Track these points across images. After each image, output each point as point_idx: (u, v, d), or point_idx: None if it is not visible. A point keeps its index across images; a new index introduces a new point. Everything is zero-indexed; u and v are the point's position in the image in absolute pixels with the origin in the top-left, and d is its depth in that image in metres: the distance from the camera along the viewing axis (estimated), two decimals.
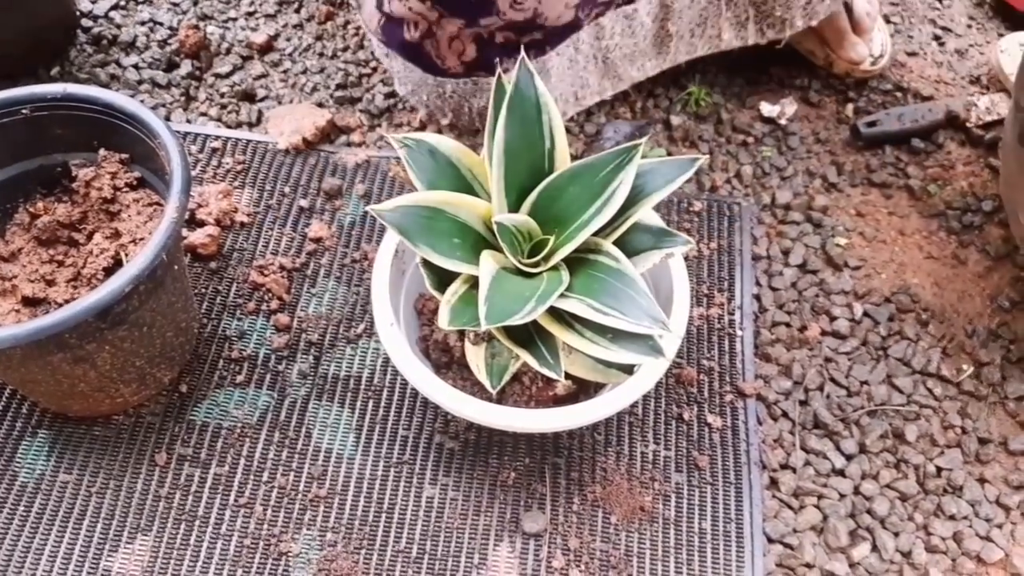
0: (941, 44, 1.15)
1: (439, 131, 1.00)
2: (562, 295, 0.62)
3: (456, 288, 0.65)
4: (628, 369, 0.70)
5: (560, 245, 0.65)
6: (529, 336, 0.66)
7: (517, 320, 0.59)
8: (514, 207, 0.66)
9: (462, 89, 0.94)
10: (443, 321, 0.63)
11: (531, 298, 0.61)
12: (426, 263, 0.66)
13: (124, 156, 0.78)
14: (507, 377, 0.69)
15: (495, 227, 0.64)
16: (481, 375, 0.69)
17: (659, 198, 0.65)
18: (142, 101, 1.03)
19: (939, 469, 0.82)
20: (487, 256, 0.63)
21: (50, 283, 0.77)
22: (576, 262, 0.65)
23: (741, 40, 0.99)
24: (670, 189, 0.64)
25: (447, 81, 0.93)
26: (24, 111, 0.75)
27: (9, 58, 1.03)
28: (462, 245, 0.65)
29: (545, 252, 0.66)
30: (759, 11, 0.97)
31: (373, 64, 1.07)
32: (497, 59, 0.88)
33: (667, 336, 0.63)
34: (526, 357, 0.65)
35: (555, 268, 0.65)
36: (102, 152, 0.78)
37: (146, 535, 0.76)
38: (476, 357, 0.70)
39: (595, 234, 0.65)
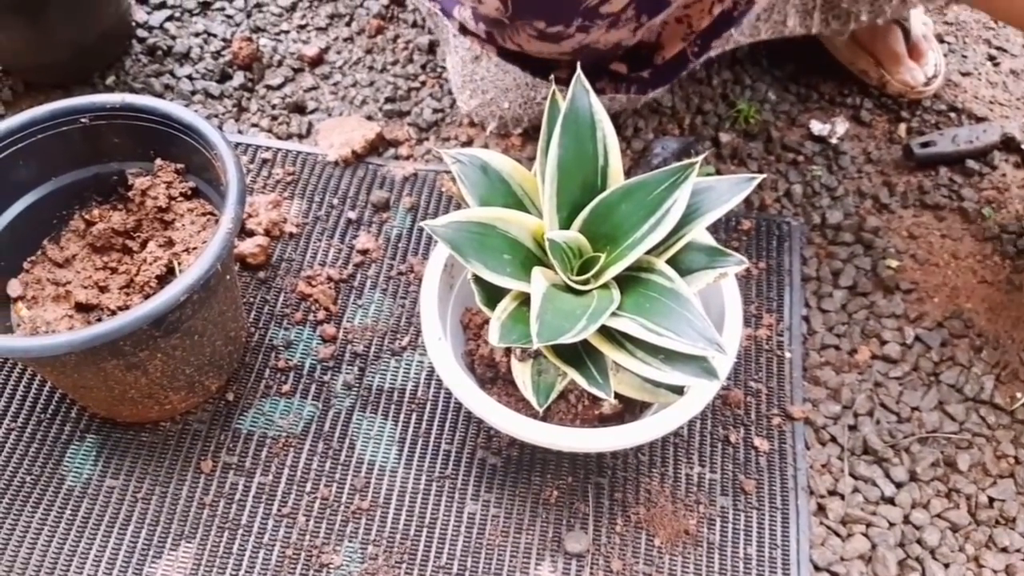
0: (996, 64, 1.13)
1: (485, 145, 1.01)
2: (613, 314, 0.61)
3: (506, 305, 0.65)
4: (677, 389, 0.69)
5: (611, 263, 0.65)
6: (577, 354, 0.66)
7: (568, 339, 0.59)
8: (565, 224, 0.66)
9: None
10: (493, 338, 0.62)
11: (582, 316, 0.60)
12: (477, 279, 0.66)
13: (180, 166, 0.79)
14: (554, 395, 0.68)
15: (547, 244, 0.63)
16: (528, 392, 0.69)
17: (714, 217, 0.64)
18: (196, 111, 1.04)
19: (991, 500, 0.80)
20: (538, 273, 0.63)
21: (103, 290, 0.78)
22: (627, 280, 0.65)
23: (805, 28, 0.97)
24: (726, 208, 0.64)
25: (542, 85, 0.92)
26: (83, 120, 0.76)
27: (65, 67, 1.05)
28: (512, 261, 0.65)
29: (596, 269, 0.65)
30: (827, 0, 0.95)
31: (422, 78, 1.08)
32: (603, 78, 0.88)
33: (719, 357, 0.62)
34: (574, 376, 0.64)
35: (605, 286, 0.65)
36: (158, 162, 0.79)
37: (189, 542, 0.76)
38: (523, 374, 0.70)
39: (648, 252, 0.64)
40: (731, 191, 0.64)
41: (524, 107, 0.96)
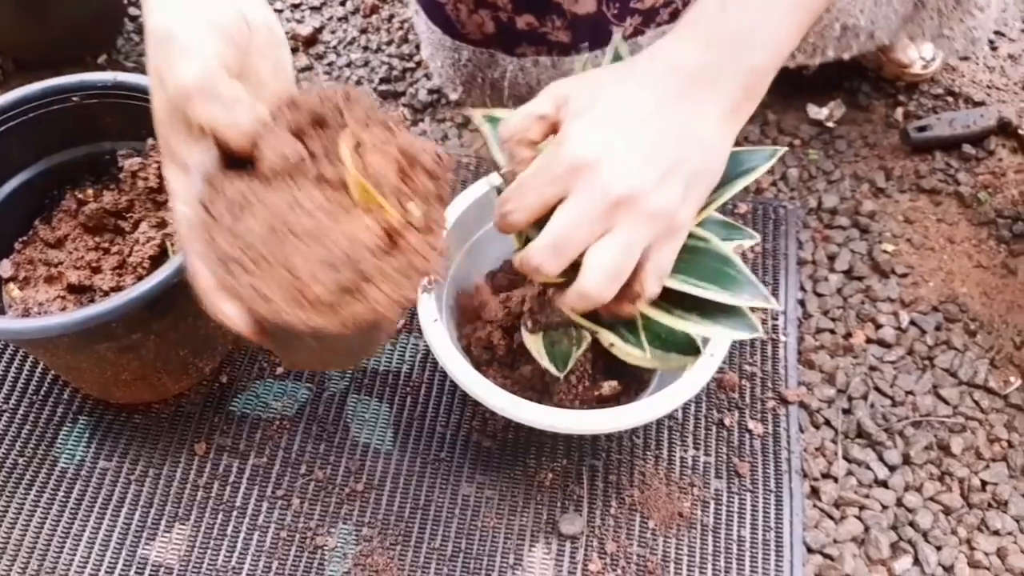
0: (994, 49, 1.13)
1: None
2: None
3: None
4: (691, 350, 0.68)
5: None
6: (605, 322, 0.65)
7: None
8: None
9: (477, 59, 0.93)
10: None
11: None
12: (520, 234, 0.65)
13: None
14: (572, 363, 0.68)
15: None
16: (544, 362, 0.68)
17: (745, 183, 0.63)
18: None
19: (984, 483, 0.80)
20: None
21: (96, 270, 0.77)
22: None
23: None
24: (756, 175, 0.63)
25: (464, 47, 0.92)
26: (74, 98, 0.75)
27: (56, 46, 1.04)
28: None
29: None
30: None
31: (417, 58, 1.07)
32: (521, 43, 0.87)
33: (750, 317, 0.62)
34: (610, 337, 0.63)
35: None
36: (150, 141, 0.78)
37: (184, 524, 0.76)
38: (535, 345, 0.69)
39: None
40: (753, 160, 0.64)
41: (453, 67, 0.95)
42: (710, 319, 0.61)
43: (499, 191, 0.60)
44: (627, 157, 0.50)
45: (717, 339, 0.67)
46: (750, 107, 0.55)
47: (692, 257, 0.62)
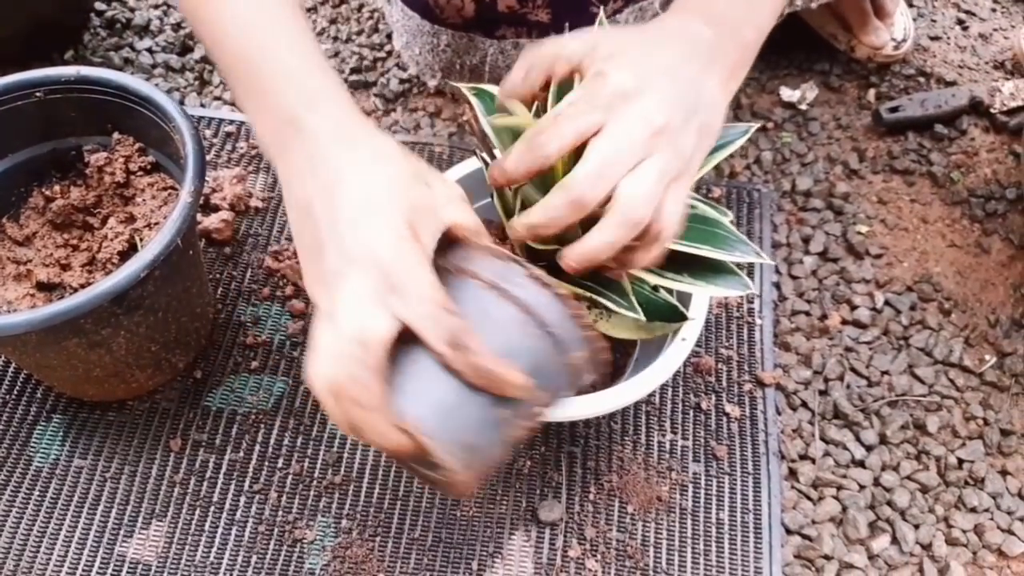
0: (965, 28, 1.13)
1: (456, 114, 0.99)
2: None
3: None
4: (674, 316, 0.67)
5: None
6: (596, 284, 0.65)
7: None
8: None
9: (456, 43, 0.92)
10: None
11: None
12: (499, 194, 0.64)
13: (137, 140, 0.77)
14: None
15: None
16: None
17: (721, 156, 0.63)
18: (156, 85, 1.02)
19: (960, 461, 0.81)
20: None
21: (65, 267, 0.76)
22: None
23: None
24: (729, 150, 0.63)
25: (443, 32, 0.92)
26: (38, 94, 0.74)
27: (22, 42, 1.02)
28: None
29: None
30: None
31: (388, 48, 1.06)
32: (501, 26, 0.87)
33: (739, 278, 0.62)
34: (605, 303, 0.63)
35: None
36: (116, 136, 0.77)
37: (161, 521, 0.75)
38: None
39: None
40: (729, 135, 0.64)
41: (432, 54, 0.95)
42: (702, 279, 0.61)
43: (486, 164, 0.59)
44: (663, 94, 0.52)
45: (698, 303, 0.67)
46: (738, 81, 0.58)
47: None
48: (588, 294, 0.62)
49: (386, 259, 0.46)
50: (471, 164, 0.76)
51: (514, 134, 0.61)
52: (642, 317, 0.62)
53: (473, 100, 0.66)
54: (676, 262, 0.60)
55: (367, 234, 0.46)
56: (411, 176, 0.49)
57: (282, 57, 0.54)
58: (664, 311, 0.66)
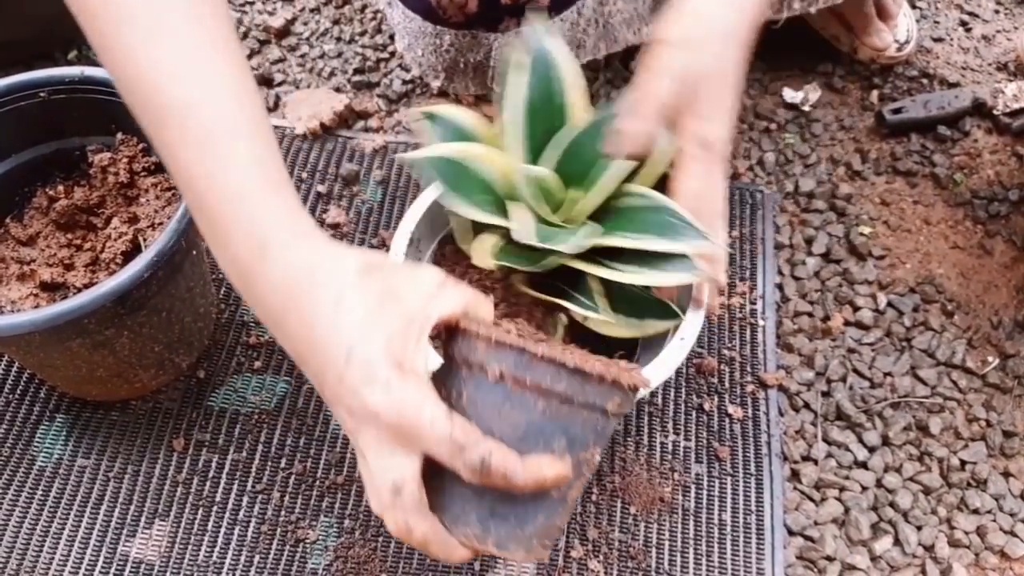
0: (968, 30, 1.13)
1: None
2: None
3: (495, 241, 0.65)
4: (666, 314, 0.68)
5: (587, 198, 0.64)
6: (562, 291, 0.65)
7: (566, 247, 0.60)
8: (533, 163, 0.66)
9: (460, 42, 0.93)
10: (484, 261, 0.62)
11: (571, 236, 0.61)
12: (455, 216, 0.65)
13: (141, 140, 0.77)
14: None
15: (521, 178, 0.63)
16: None
17: None
18: None
19: (963, 462, 0.81)
20: (516, 206, 0.63)
21: (68, 267, 0.76)
22: (603, 211, 0.65)
23: None
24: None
25: (446, 32, 0.92)
26: (42, 94, 0.75)
27: (26, 42, 1.02)
28: (490, 200, 0.64)
29: (574, 211, 0.65)
30: None
31: (391, 49, 1.06)
32: (504, 19, 0.88)
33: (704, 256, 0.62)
34: (568, 306, 0.63)
35: (583, 223, 0.65)
36: (119, 136, 0.77)
37: (163, 520, 0.76)
38: None
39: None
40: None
41: (435, 54, 0.95)
42: (653, 267, 0.62)
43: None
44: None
45: (666, 281, 0.66)
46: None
47: (632, 214, 0.63)
48: (555, 300, 0.63)
49: (389, 416, 0.45)
50: (426, 199, 0.74)
51: (448, 163, 0.64)
52: (611, 318, 0.63)
53: (422, 125, 0.66)
54: (626, 253, 0.61)
55: (362, 395, 0.45)
56: (377, 303, 0.47)
57: (229, 190, 0.49)
58: (655, 308, 0.66)
